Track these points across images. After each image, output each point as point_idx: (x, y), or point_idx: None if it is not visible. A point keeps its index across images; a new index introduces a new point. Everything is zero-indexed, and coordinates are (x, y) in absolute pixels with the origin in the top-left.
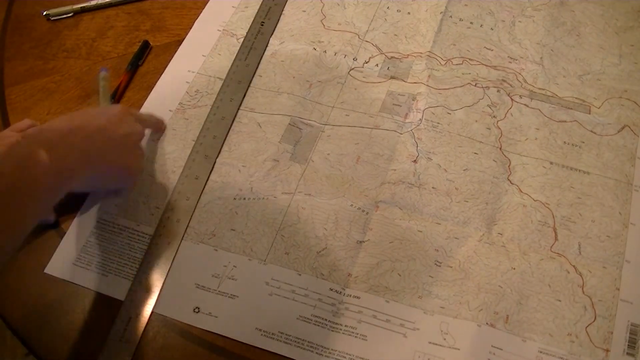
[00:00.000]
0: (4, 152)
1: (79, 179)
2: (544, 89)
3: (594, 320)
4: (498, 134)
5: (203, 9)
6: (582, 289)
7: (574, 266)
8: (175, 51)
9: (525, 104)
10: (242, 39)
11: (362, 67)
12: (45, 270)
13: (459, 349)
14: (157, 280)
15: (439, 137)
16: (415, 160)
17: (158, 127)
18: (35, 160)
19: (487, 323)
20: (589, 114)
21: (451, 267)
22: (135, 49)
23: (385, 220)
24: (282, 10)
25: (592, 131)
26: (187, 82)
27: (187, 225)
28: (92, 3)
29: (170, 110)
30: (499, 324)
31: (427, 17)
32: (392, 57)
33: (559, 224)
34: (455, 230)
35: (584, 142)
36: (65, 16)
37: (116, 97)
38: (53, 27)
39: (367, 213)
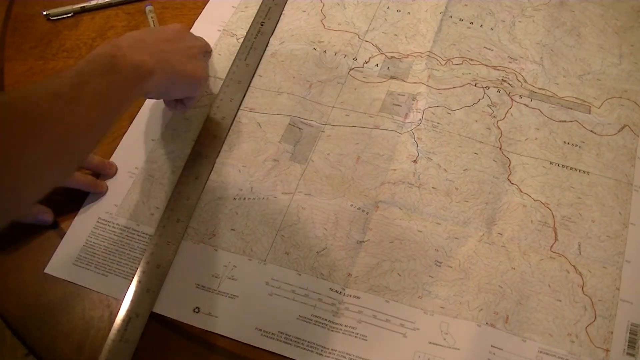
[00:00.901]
0: (89, 55)
1: (155, 80)
2: (544, 89)
3: (594, 320)
4: (498, 134)
5: (203, 9)
6: (582, 289)
7: (574, 266)
8: None
9: (525, 104)
10: (242, 39)
11: (362, 67)
12: (45, 270)
13: (459, 349)
14: (157, 280)
15: (439, 137)
16: (415, 160)
17: (207, 47)
18: (117, 56)
19: (487, 323)
20: (589, 114)
21: (451, 267)
22: None
23: (385, 220)
24: (282, 10)
25: (592, 131)
26: None
27: (187, 225)
28: (92, 3)
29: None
30: (499, 324)
31: (427, 17)
32: (392, 57)
33: (559, 224)
34: (455, 230)
35: (584, 142)
36: (65, 16)
37: None
38: (53, 27)
39: (367, 213)
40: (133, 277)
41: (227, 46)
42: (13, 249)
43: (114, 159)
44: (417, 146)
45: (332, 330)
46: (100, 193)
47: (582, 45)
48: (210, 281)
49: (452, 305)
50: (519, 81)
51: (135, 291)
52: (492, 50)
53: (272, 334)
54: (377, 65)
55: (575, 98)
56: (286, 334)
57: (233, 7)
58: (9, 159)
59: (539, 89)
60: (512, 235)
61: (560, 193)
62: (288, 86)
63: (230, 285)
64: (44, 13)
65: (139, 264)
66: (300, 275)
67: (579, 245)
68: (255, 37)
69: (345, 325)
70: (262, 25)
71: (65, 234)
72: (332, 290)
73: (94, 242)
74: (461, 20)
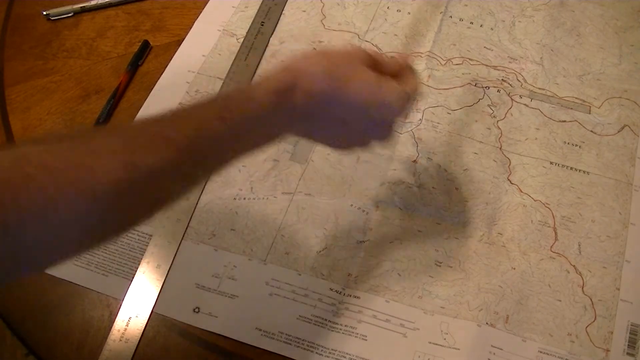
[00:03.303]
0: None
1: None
2: (544, 89)
3: (594, 320)
4: (498, 133)
5: (203, 9)
6: (582, 289)
7: (574, 266)
8: (175, 51)
9: (525, 104)
10: (242, 39)
11: None
12: (45, 270)
13: (459, 349)
14: (157, 280)
15: (439, 137)
16: (415, 160)
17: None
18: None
19: (487, 323)
20: (589, 114)
21: (451, 267)
22: (135, 49)
23: (385, 220)
24: (282, 10)
25: (592, 131)
26: (187, 82)
27: (187, 225)
28: (92, 3)
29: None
30: (499, 324)
31: (427, 17)
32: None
33: (559, 224)
34: (455, 230)
35: (584, 142)
36: (65, 16)
37: (116, 97)
38: (53, 27)
39: (367, 213)
40: (133, 277)
41: (227, 46)
42: None
43: None
44: (417, 146)
45: (332, 330)
46: None
47: (582, 45)
48: (210, 281)
49: (452, 305)
50: (519, 81)
51: (135, 291)
52: (492, 50)
53: (272, 334)
54: None
55: (575, 98)
56: (286, 334)
57: (233, 7)
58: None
59: (539, 89)
60: (512, 235)
61: (560, 193)
62: None
63: (230, 285)
64: (44, 13)
65: (139, 264)
66: (300, 275)
67: (579, 245)
68: (255, 37)
69: (345, 325)
70: (262, 25)
71: None
72: (332, 290)
73: None
74: (461, 20)
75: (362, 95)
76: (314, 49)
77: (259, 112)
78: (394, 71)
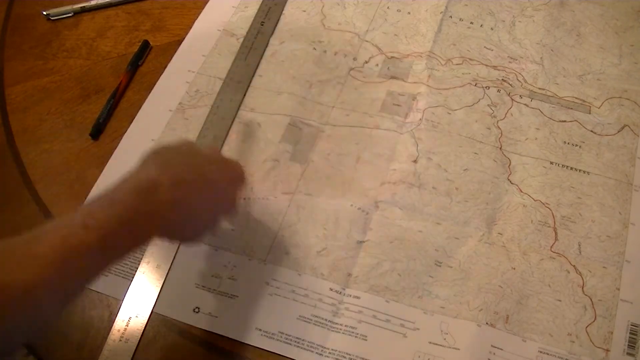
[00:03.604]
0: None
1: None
2: (544, 89)
3: (594, 320)
4: (498, 133)
5: (203, 9)
6: (582, 289)
7: (574, 266)
8: (175, 51)
9: (525, 104)
10: (242, 39)
11: (362, 67)
12: None
13: (459, 349)
14: (157, 280)
15: (439, 137)
16: (415, 160)
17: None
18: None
19: (487, 323)
20: (589, 114)
21: (451, 267)
22: (135, 49)
23: (385, 220)
24: (282, 10)
25: (592, 131)
26: (187, 82)
27: None
28: (92, 3)
29: (170, 110)
30: (499, 324)
31: (427, 17)
32: (392, 57)
33: (559, 224)
34: (455, 230)
35: (584, 142)
36: (65, 16)
37: (116, 97)
38: (53, 27)
39: (367, 213)
40: (133, 277)
41: (227, 46)
42: None
43: (114, 159)
44: (417, 146)
45: (332, 330)
46: None
47: (582, 45)
48: (210, 281)
49: (452, 305)
50: (519, 81)
51: (135, 291)
52: (492, 50)
53: (272, 334)
54: (377, 65)
55: (575, 98)
56: (286, 334)
57: (233, 7)
58: None
59: (539, 89)
60: (512, 235)
61: (560, 193)
62: (288, 86)
63: (230, 285)
64: (44, 13)
65: (139, 264)
66: (300, 275)
67: (579, 245)
68: (255, 37)
69: (345, 325)
70: (262, 25)
71: None
72: (332, 290)
73: None
74: (461, 20)
75: (220, 174)
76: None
77: (122, 214)
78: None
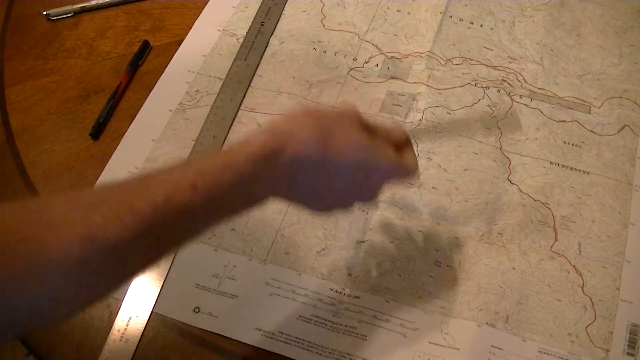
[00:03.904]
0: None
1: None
2: (544, 89)
3: (594, 320)
4: (498, 133)
5: (203, 9)
6: (582, 289)
7: (574, 266)
8: (175, 51)
9: (525, 104)
10: (242, 39)
11: (362, 67)
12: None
13: (459, 349)
14: (157, 280)
15: (439, 137)
16: None
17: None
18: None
19: (487, 323)
20: (589, 114)
21: (451, 267)
22: (135, 49)
23: (385, 220)
24: (282, 10)
25: (592, 131)
26: (187, 82)
27: None
28: (92, 3)
29: (170, 110)
30: (499, 324)
31: (427, 17)
32: (392, 57)
33: (559, 224)
34: (455, 230)
35: (584, 142)
36: (65, 16)
37: (116, 97)
38: (53, 27)
39: (367, 213)
40: None
41: (227, 46)
42: None
43: (114, 159)
44: (417, 146)
45: (332, 330)
46: None
47: (582, 45)
48: (210, 281)
49: (452, 305)
50: (519, 81)
51: (135, 291)
52: (492, 50)
53: (272, 334)
54: (377, 65)
55: (575, 98)
56: (286, 334)
57: (233, 7)
58: None
59: (539, 89)
60: (512, 235)
61: (560, 193)
62: (288, 86)
63: (230, 285)
64: (44, 13)
65: None
66: (300, 275)
67: (579, 245)
68: (255, 37)
69: (345, 325)
70: (262, 25)
71: None
72: (332, 290)
73: None
74: (461, 20)
75: (352, 159)
76: (302, 106)
77: (238, 180)
78: (393, 141)
